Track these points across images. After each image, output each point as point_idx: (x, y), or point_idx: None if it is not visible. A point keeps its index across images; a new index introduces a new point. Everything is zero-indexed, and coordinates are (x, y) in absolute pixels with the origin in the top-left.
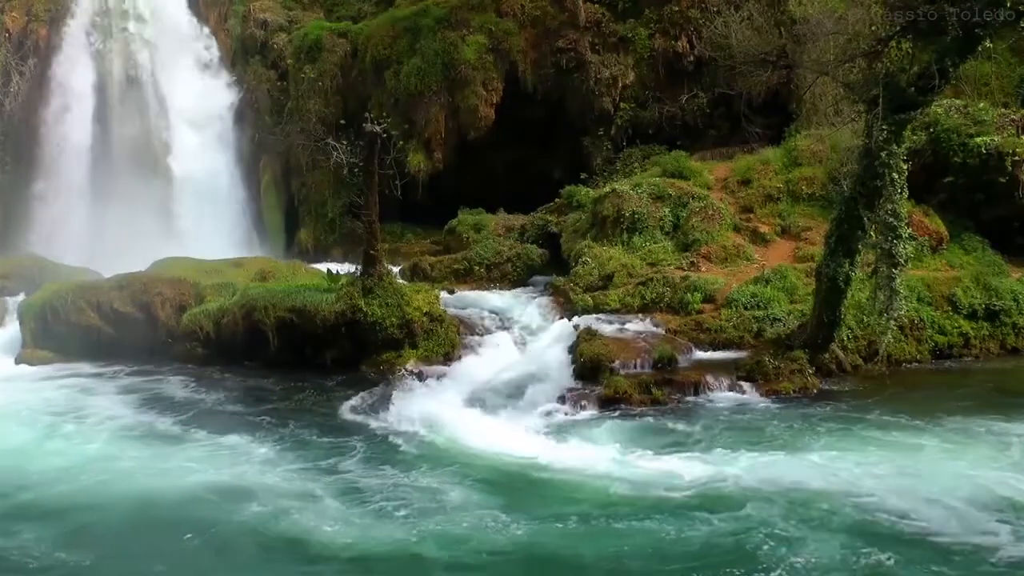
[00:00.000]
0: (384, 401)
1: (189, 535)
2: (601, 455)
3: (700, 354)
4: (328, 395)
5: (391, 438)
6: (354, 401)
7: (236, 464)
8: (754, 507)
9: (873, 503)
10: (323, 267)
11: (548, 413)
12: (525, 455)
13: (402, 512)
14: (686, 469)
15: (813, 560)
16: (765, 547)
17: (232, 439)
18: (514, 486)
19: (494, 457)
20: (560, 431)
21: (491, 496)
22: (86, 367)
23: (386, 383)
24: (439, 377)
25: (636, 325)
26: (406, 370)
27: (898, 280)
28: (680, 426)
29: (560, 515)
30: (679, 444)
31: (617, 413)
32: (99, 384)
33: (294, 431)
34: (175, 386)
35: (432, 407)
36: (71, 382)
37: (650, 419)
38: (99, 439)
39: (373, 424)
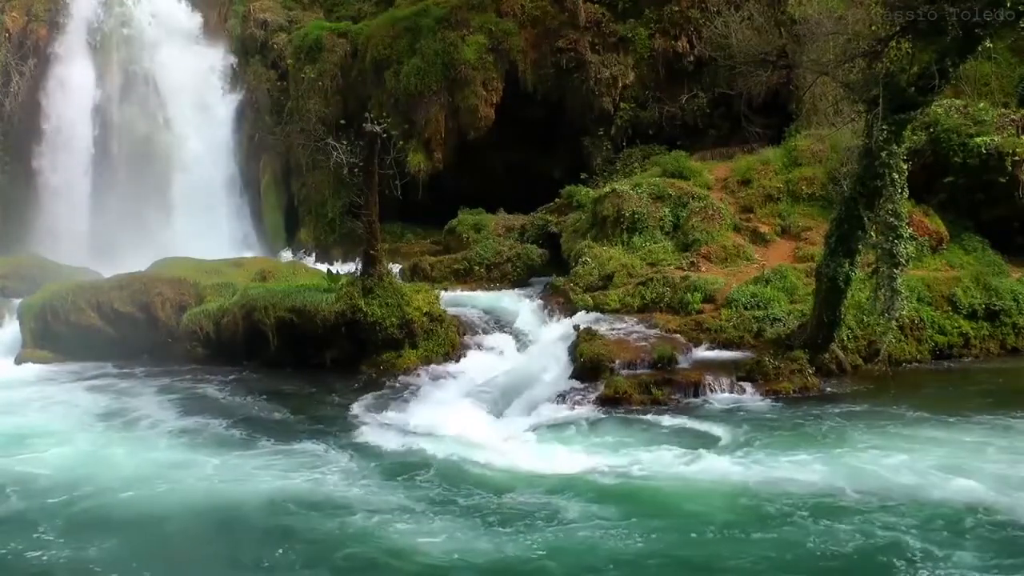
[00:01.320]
0: (391, 403)
1: (280, 548)
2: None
3: (700, 354)
4: (338, 396)
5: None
6: (365, 402)
7: (292, 470)
8: (867, 514)
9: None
10: (323, 267)
11: (548, 413)
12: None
13: (489, 523)
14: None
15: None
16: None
17: (270, 443)
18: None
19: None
20: (561, 431)
21: (546, 504)
22: (87, 367)
23: (388, 384)
24: (438, 377)
25: (636, 325)
26: (406, 371)
27: (899, 280)
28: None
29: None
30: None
31: (618, 413)
32: (115, 385)
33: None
34: (195, 387)
35: (435, 408)
36: (95, 383)
37: (652, 418)
38: (152, 443)
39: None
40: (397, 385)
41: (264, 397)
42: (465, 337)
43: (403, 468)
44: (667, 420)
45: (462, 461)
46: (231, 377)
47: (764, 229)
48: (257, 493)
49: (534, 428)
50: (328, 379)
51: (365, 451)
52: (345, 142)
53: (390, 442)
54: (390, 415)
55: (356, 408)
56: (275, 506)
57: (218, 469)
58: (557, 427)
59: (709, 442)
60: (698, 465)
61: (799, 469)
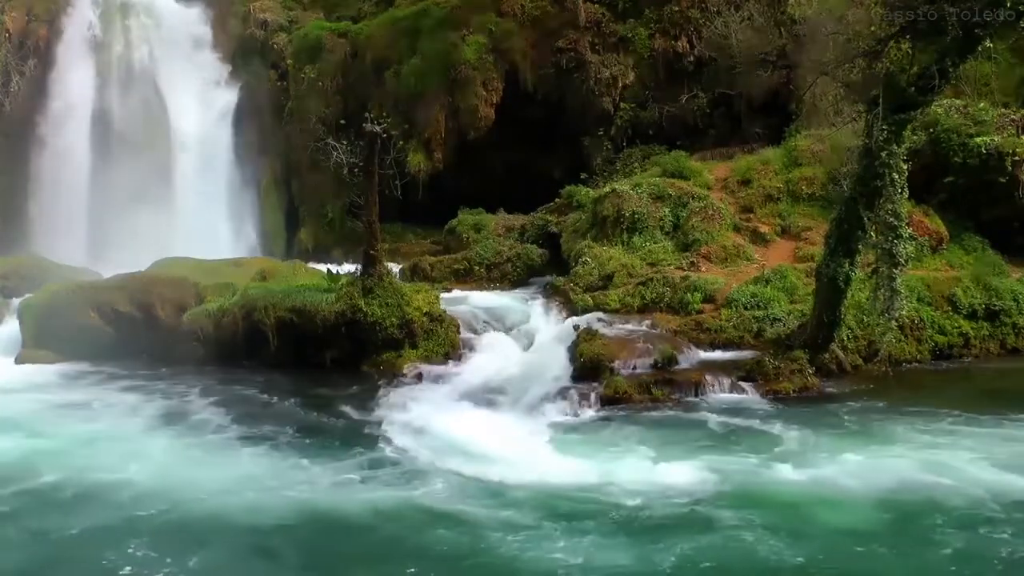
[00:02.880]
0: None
1: (413, 568)
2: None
3: (700, 354)
4: (339, 396)
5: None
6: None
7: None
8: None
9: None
10: (323, 267)
11: (549, 413)
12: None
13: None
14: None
15: None
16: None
17: (287, 446)
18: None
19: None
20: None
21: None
22: (88, 368)
23: (388, 384)
24: (439, 377)
25: (636, 325)
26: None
27: (899, 280)
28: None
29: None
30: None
31: (619, 413)
32: (132, 385)
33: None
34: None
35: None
36: (112, 385)
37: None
38: (212, 448)
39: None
40: (397, 385)
41: (266, 398)
42: (465, 337)
43: (414, 473)
44: (710, 416)
45: (467, 464)
46: (231, 377)
47: (764, 229)
48: (297, 501)
49: (535, 428)
50: (328, 379)
51: (372, 454)
52: (345, 142)
53: (395, 444)
54: (392, 416)
55: (358, 409)
56: (303, 517)
57: (265, 477)
58: (558, 427)
59: (761, 446)
60: (775, 471)
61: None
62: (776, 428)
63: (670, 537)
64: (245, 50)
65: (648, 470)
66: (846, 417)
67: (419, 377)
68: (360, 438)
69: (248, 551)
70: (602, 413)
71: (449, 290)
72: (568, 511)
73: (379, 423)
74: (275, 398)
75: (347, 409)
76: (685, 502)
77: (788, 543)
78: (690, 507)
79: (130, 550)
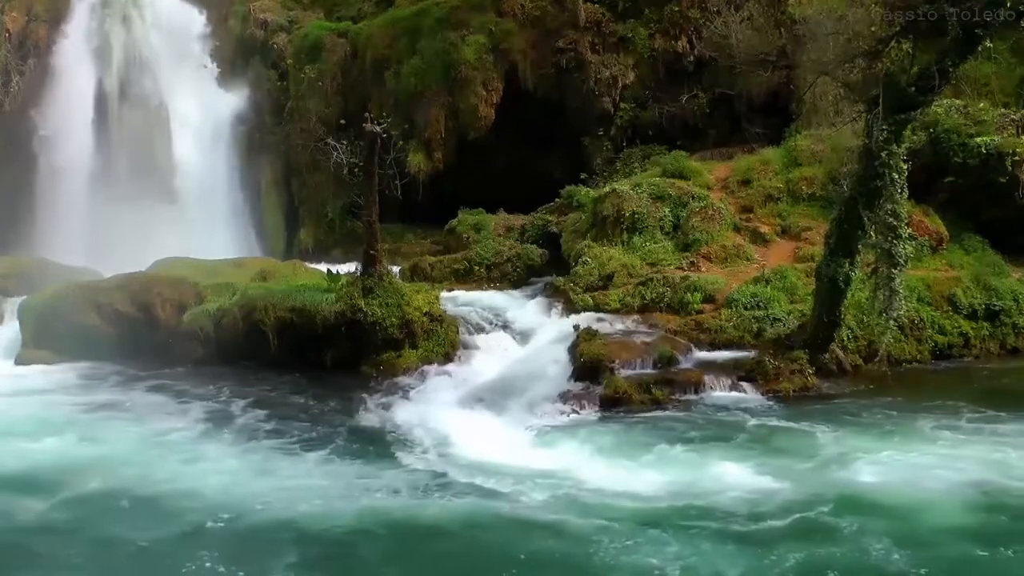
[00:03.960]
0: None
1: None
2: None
3: (700, 354)
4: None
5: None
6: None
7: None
8: None
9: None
10: (323, 267)
11: (549, 414)
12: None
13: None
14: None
15: None
16: None
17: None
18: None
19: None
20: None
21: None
22: (89, 368)
23: (388, 384)
24: (439, 377)
25: (636, 325)
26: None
27: (898, 280)
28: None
29: None
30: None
31: (619, 413)
32: (157, 384)
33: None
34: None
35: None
36: (138, 386)
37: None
38: (257, 455)
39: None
40: (398, 385)
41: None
42: (465, 337)
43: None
44: (722, 416)
45: (473, 465)
46: (231, 377)
47: (764, 229)
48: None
49: (537, 428)
50: (329, 379)
51: (373, 455)
52: (345, 142)
53: (396, 444)
54: (391, 417)
55: (360, 409)
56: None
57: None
58: (560, 428)
59: (799, 447)
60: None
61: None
62: (804, 427)
63: (782, 546)
64: (245, 50)
65: (700, 473)
66: (864, 416)
67: (419, 377)
68: (363, 440)
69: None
70: (603, 413)
71: (450, 290)
72: (630, 515)
73: (379, 424)
74: (290, 398)
75: (349, 410)
76: (771, 507)
77: (907, 550)
78: (779, 513)
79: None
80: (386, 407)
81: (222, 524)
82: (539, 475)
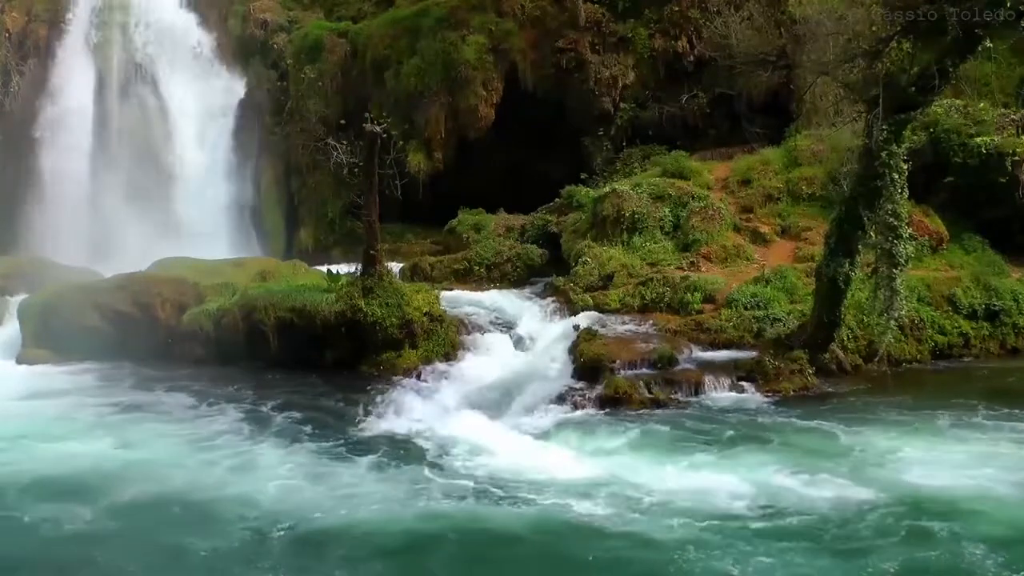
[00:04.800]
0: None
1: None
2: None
3: (700, 354)
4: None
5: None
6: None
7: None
8: None
9: None
10: (323, 267)
11: (550, 414)
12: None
13: None
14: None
15: None
16: None
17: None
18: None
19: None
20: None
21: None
22: (89, 368)
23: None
24: (439, 378)
25: (636, 325)
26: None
27: (899, 280)
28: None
29: None
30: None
31: (619, 413)
32: (177, 385)
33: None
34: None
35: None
36: (158, 387)
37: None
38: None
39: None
40: (398, 386)
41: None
42: (465, 337)
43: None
44: (678, 421)
45: (476, 465)
46: (241, 378)
47: (764, 229)
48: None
49: (538, 429)
50: (329, 379)
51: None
52: (345, 142)
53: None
54: (392, 418)
55: (361, 410)
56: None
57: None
58: (561, 426)
59: (826, 447)
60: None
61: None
62: (824, 426)
63: (876, 551)
64: (245, 50)
65: (750, 475)
66: (880, 414)
67: (419, 377)
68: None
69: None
70: (601, 412)
71: (450, 290)
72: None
73: (379, 425)
74: (319, 401)
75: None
76: (847, 512)
77: (1002, 552)
78: (855, 517)
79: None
80: (385, 408)
81: (282, 532)
82: (571, 481)
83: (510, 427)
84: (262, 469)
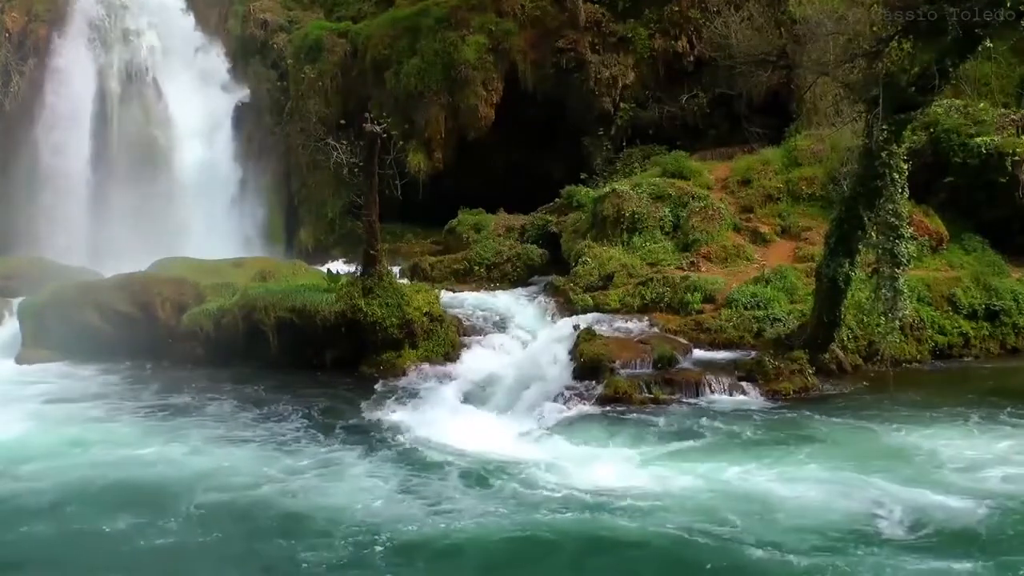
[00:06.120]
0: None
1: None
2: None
3: (700, 354)
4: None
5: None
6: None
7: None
8: None
9: None
10: (323, 267)
11: (550, 413)
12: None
13: None
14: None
15: None
16: None
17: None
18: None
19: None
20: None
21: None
22: (90, 367)
23: (388, 384)
24: (439, 378)
25: (636, 325)
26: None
27: (901, 280)
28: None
29: None
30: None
31: (619, 413)
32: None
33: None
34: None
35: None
36: (187, 388)
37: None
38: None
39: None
40: (398, 386)
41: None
42: (465, 337)
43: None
44: (676, 420)
45: (479, 464)
46: (231, 377)
47: (764, 229)
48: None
49: (539, 429)
50: (329, 379)
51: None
52: (345, 142)
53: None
54: (392, 418)
55: (362, 410)
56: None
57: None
58: (562, 426)
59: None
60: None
61: None
62: (861, 424)
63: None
64: (245, 50)
65: (801, 474)
66: (902, 412)
67: (419, 377)
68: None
69: None
70: (601, 412)
71: (451, 291)
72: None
73: (380, 425)
74: (277, 397)
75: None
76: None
77: None
78: (966, 519)
79: None
80: (385, 409)
81: (386, 544)
82: (587, 483)
83: (511, 427)
84: (338, 478)
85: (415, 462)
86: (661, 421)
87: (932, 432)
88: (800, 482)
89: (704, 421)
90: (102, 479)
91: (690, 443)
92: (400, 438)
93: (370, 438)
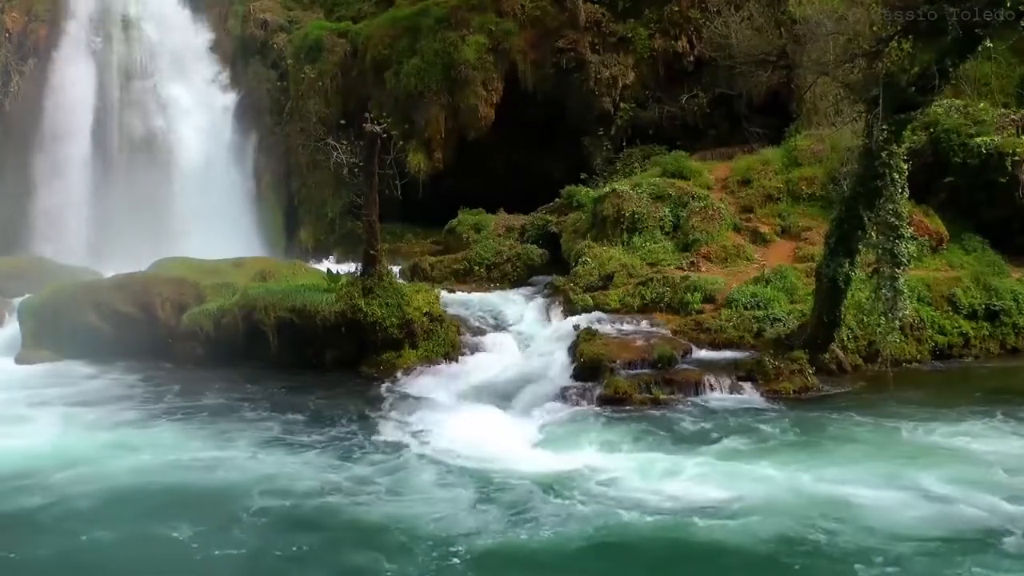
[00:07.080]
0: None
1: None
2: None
3: (700, 354)
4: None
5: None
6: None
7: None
8: None
9: None
10: (323, 267)
11: (550, 413)
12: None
13: None
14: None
15: None
16: None
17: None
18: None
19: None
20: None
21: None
22: (90, 367)
23: (388, 384)
24: (439, 378)
25: (636, 325)
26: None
27: (901, 280)
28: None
29: None
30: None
31: (620, 413)
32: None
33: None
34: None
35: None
36: (209, 389)
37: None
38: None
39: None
40: (398, 385)
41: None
42: (465, 337)
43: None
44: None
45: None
46: (231, 377)
47: (764, 229)
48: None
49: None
50: (329, 379)
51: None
52: (345, 142)
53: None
54: (392, 418)
55: (362, 410)
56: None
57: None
58: (562, 426)
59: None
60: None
61: None
62: (880, 422)
63: None
64: (245, 50)
65: (838, 473)
66: (914, 412)
67: (419, 377)
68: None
69: None
70: (601, 412)
71: (451, 290)
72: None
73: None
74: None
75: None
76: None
77: None
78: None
79: None
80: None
81: (462, 557)
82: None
83: (509, 427)
84: (401, 490)
85: (418, 468)
86: (664, 421)
87: (962, 430)
88: (860, 484)
89: (710, 421)
90: (154, 484)
91: (721, 445)
92: (398, 440)
93: (379, 443)
